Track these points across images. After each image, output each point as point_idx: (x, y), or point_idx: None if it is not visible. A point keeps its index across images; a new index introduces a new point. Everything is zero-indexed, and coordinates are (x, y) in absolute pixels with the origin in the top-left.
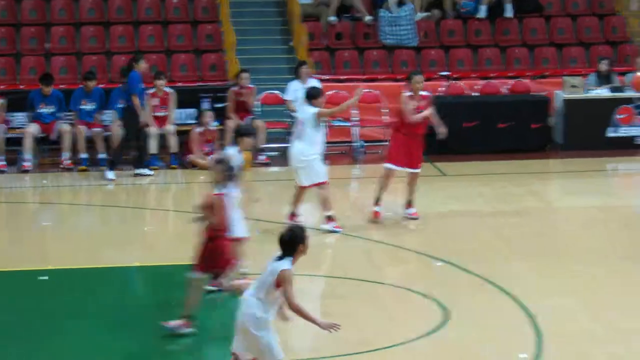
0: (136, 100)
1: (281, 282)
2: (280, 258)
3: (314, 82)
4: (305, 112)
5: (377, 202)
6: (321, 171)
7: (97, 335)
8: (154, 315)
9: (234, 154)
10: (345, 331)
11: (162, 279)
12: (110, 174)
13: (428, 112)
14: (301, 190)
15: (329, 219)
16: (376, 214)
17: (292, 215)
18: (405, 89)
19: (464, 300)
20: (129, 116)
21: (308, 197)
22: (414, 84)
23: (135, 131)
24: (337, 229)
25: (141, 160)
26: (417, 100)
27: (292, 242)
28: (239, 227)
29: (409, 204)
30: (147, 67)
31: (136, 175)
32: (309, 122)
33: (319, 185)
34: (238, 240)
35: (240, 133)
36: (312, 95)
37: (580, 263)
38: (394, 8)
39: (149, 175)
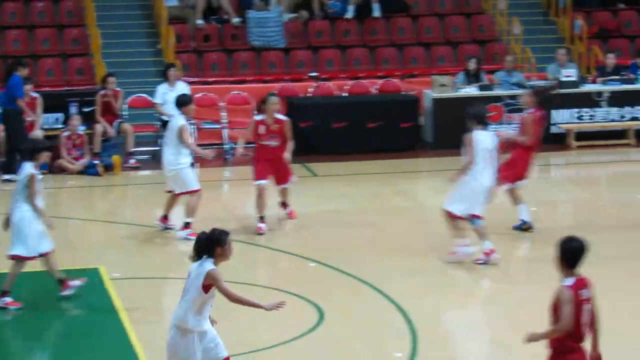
0: (21, 103)
1: (212, 282)
2: (201, 262)
3: (182, 85)
4: (175, 120)
5: (261, 219)
6: (190, 180)
7: None
8: None
9: (30, 169)
10: (222, 333)
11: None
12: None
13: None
14: (174, 196)
15: (186, 225)
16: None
17: (164, 218)
18: (259, 112)
19: (338, 300)
20: (13, 120)
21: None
22: (270, 105)
23: (22, 135)
24: (191, 237)
25: (10, 165)
26: (271, 123)
27: (209, 244)
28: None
29: (283, 205)
30: (28, 72)
31: (5, 181)
32: (175, 131)
33: (189, 193)
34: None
35: (35, 149)
36: (181, 103)
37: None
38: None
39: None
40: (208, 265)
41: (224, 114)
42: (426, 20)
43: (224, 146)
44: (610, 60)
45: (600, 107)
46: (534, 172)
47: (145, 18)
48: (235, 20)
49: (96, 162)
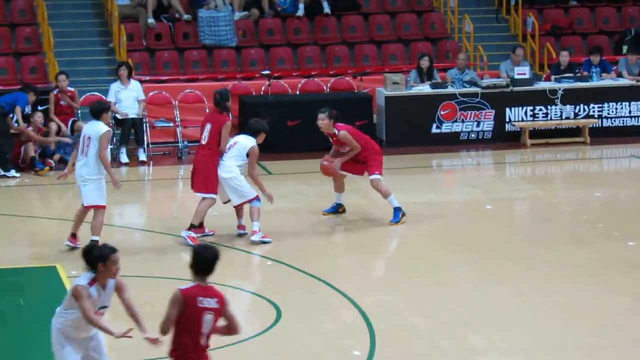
0: None
1: (75, 297)
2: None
3: (134, 84)
4: (92, 129)
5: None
6: (101, 194)
7: None
8: None
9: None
10: None
11: None
12: None
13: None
14: (84, 209)
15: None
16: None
17: (73, 236)
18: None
19: (295, 298)
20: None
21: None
22: None
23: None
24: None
25: None
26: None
27: (89, 259)
28: None
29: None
30: None
31: None
32: (95, 141)
33: (97, 207)
34: None
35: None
36: (96, 111)
37: (404, 257)
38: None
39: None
40: (80, 279)
41: (177, 112)
42: (377, 18)
43: (178, 144)
44: (564, 57)
45: (555, 104)
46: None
47: (97, 17)
48: (186, 17)
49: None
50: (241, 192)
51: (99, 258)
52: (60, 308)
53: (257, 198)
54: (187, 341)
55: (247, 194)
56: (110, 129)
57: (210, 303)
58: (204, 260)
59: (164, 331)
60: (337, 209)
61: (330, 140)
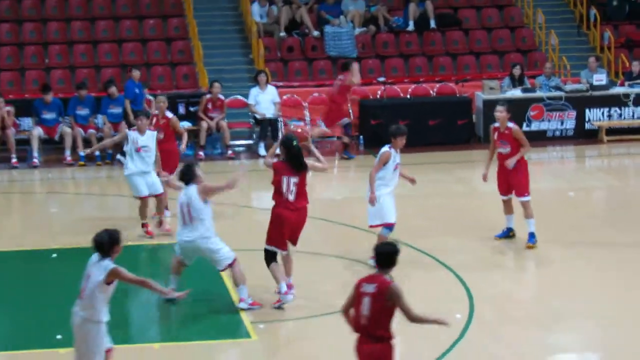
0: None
1: (116, 276)
2: (100, 259)
3: (271, 89)
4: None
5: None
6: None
7: None
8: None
9: None
10: (306, 299)
11: (152, 256)
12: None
13: None
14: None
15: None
16: None
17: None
18: None
19: (407, 272)
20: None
21: None
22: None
23: None
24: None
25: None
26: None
27: (110, 244)
28: None
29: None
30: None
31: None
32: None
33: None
34: None
35: None
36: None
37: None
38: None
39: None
40: (109, 263)
41: (306, 112)
42: (476, 33)
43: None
44: (636, 66)
45: (628, 106)
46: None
47: (239, 32)
48: (315, 33)
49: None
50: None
51: (117, 240)
52: (93, 301)
53: (390, 225)
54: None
55: (384, 216)
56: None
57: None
58: (384, 254)
59: (415, 319)
60: (508, 234)
61: (494, 136)
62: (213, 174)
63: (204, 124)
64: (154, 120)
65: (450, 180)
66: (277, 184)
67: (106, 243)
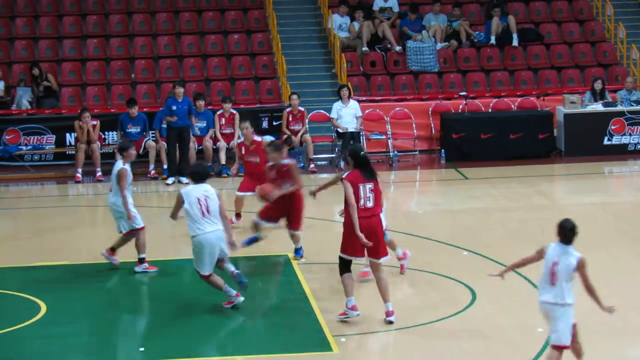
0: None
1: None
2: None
3: (353, 103)
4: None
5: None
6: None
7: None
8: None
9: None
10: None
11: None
12: (184, 179)
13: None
14: (125, 236)
15: (141, 261)
16: None
17: (112, 250)
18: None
19: (488, 284)
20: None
21: None
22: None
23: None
24: (150, 270)
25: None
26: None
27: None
28: None
29: None
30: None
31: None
32: (115, 176)
33: (137, 230)
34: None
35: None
36: (121, 149)
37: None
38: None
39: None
40: (575, 252)
41: (388, 126)
42: (558, 47)
43: (389, 153)
44: None
45: None
46: None
47: (321, 47)
48: (397, 48)
49: None
50: None
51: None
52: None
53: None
54: None
55: None
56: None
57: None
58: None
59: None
60: None
61: None
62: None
63: (283, 137)
64: (243, 149)
65: (531, 194)
66: (355, 194)
67: None
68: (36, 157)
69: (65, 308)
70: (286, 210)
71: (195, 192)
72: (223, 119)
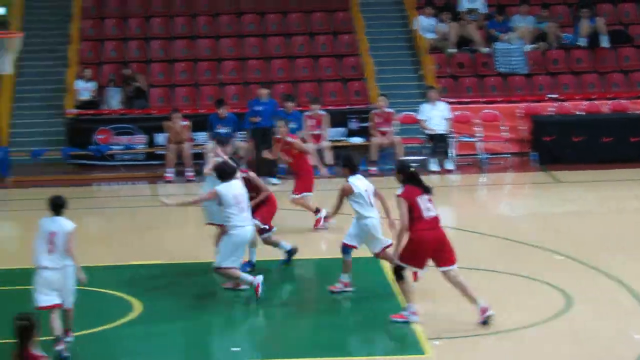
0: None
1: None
2: None
3: (441, 105)
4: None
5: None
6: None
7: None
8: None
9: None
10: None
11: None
12: (273, 180)
13: None
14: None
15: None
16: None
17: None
18: None
19: (583, 288)
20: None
21: None
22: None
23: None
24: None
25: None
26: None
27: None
28: None
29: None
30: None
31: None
32: None
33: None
34: None
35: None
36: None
37: None
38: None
39: (275, 184)
40: None
41: (477, 129)
42: None
43: (479, 156)
44: None
45: None
46: None
47: (409, 49)
48: (485, 50)
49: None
50: None
51: None
52: None
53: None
54: None
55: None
56: None
57: None
58: None
59: None
60: None
61: None
62: (385, 189)
63: (375, 140)
64: (279, 145)
65: (625, 197)
66: (414, 208)
67: None
68: (127, 157)
69: (159, 307)
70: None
71: (234, 189)
72: (311, 120)
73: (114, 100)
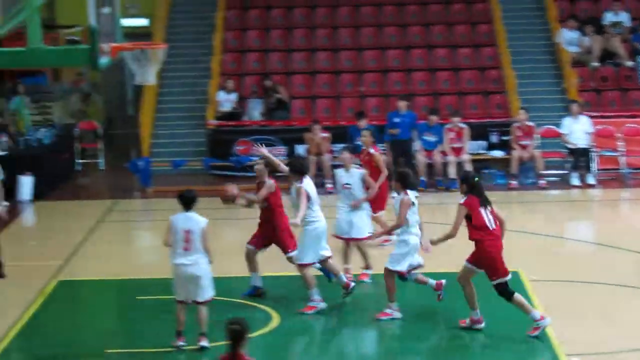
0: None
1: None
2: None
3: (584, 119)
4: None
5: None
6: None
7: None
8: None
9: None
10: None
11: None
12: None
13: None
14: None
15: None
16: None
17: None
18: None
19: None
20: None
21: None
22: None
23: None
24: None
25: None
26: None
27: None
28: None
29: None
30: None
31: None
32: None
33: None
34: None
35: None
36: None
37: None
38: None
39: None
40: None
41: (620, 143)
42: None
43: (621, 171)
44: None
45: None
46: None
47: (551, 62)
48: (629, 63)
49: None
50: None
51: None
52: None
53: None
54: None
55: None
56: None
57: None
58: None
59: None
60: None
61: None
62: (524, 203)
63: (516, 153)
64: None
65: None
66: (479, 219)
67: None
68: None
69: (297, 319)
70: (268, 233)
71: (312, 185)
72: (452, 133)
73: (255, 111)
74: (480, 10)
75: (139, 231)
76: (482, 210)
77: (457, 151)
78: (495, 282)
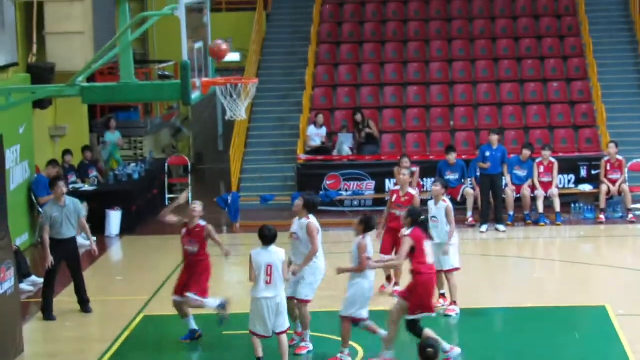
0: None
1: None
2: None
3: None
4: None
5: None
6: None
7: None
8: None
9: None
10: None
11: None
12: (500, 227)
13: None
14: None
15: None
16: None
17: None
18: None
19: None
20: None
21: None
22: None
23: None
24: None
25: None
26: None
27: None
28: None
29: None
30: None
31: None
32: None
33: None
34: None
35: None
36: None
37: None
38: None
39: (503, 231)
40: None
41: None
42: None
43: None
44: None
45: None
46: None
47: None
48: None
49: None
50: None
51: None
52: None
53: None
54: None
55: None
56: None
57: None
58: None
59: None
60: None
61: None
62: (613, 237)
63: (604, 187)
64: (394, 196)
65: None
66: (420, 252)
67: None
68: (355, 203)
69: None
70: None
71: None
72: (542, 167)
73: (345, 145)
74: (572, 44)
75: (226, 266)
76: (426, 242)
77: (546, 185)
78: (415, 317)
